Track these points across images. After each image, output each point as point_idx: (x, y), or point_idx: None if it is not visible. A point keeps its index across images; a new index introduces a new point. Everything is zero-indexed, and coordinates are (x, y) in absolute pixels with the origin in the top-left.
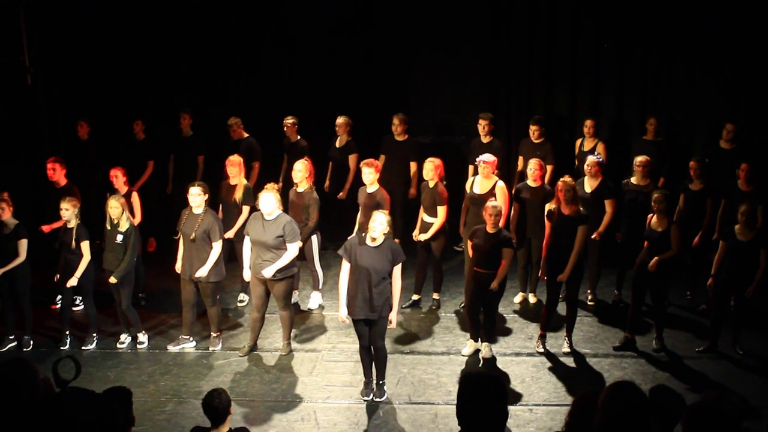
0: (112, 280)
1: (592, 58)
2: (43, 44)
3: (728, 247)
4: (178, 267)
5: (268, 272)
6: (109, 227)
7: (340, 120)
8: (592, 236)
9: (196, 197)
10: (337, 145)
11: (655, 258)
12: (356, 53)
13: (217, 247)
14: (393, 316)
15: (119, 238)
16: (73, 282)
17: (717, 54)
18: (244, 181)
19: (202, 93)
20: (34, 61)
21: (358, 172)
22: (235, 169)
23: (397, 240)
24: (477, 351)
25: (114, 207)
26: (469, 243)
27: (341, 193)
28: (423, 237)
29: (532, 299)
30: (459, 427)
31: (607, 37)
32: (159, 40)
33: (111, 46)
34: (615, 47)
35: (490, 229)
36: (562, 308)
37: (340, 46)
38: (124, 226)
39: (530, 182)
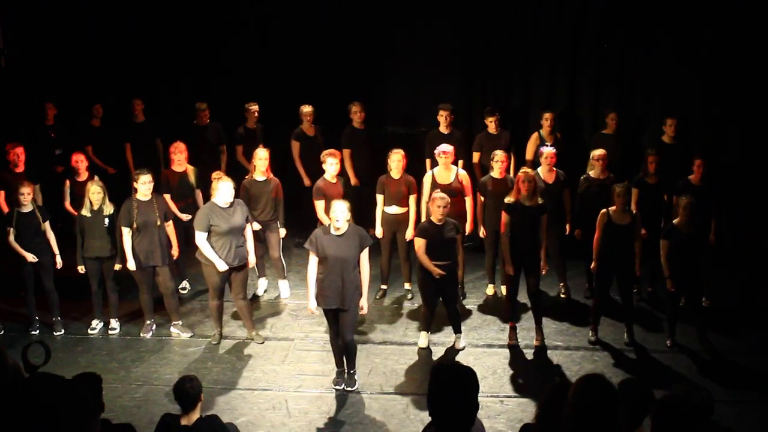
0: (118, 267)
1: (568, 50)
2: (16, 28)
3: (674, 244)
4: (133, 264)
5: (252, 259)
6: (89, 214)
7: (306, 109)
8: (574, 233)
9: (149, 184)
10: (307, 133)
11: (636, 262)
12: (328, 41)
13: (171, 225)
14: (364, 302)
15: (107, 222)
16: (60, 261)
17: (680, 49)
18: (191, 166)
19: (157, 80)
20: (9, 45)
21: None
22: (182, 156)
23: (371, 231)
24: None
25: (96, 192)
26: (421, 240)
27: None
28: (410, 234)
29: (504, 291)
30: (430, 418)
31: (586, 28)
32: (127, 26)
33: (80, 31)
34: (587, 40)
35: (437, 221)
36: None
37: (311, 33)
38: (108, 209)
39: (495, 174)
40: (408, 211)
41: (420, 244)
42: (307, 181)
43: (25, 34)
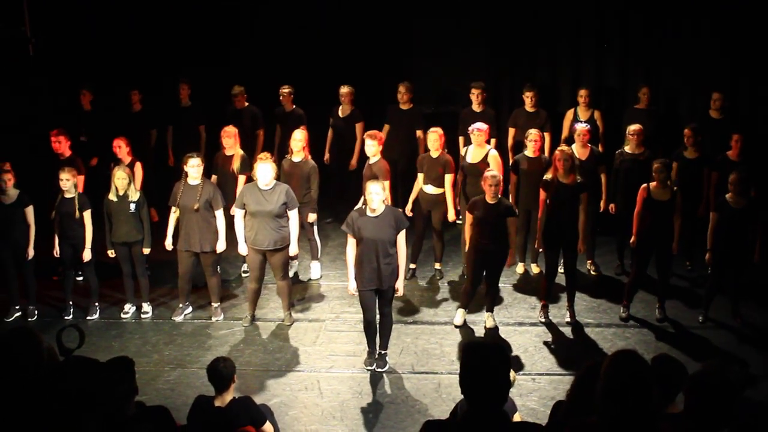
0: (146, 251)
1: (592, 27)
2: (44, 14)
3: (723, 217)
4: (169, 243)
5: (293, 248)
6: (115, 199)
7: (344, 89)
8: (608, 209)
9: (198, 168)
10: (341, 114)
11: (675, 239)
12: (358, 21)
13: (221, 215)
14: (400, 284)
15: (132, 207)
16: (87, 255)
17: (713, 22)
18: (241, 151)
19: (199, 62)
20: (36, 32)
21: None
22: (231, 140)
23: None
24: (465, 321)
25: (121, 178)
26: (469, 216)
27: (352, 161)
28: (451, 215)
29: (534, 269)
30: (462, 396)
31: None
32: (157, 9)
33: (109, 15)
34: (614, 16)
35: (490, 200)
36: (562, 278)
37: (341, 13)
38: (134, 195)
39: (529, 153)
40: (445, 192)
41: (468, 219)
42: (326, 157)
43: (53, 21)
